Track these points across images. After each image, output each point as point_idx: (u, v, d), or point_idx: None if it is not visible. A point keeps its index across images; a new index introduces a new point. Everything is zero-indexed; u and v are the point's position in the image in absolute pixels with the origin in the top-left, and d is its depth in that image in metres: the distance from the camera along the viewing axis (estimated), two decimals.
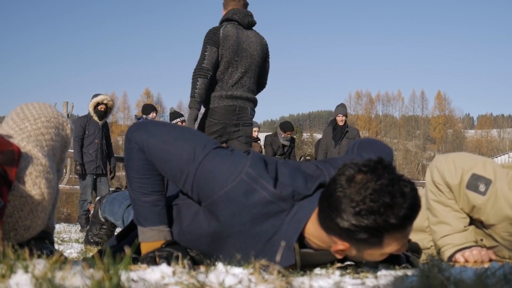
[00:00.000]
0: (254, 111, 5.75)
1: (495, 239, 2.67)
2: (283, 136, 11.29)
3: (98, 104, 8.45)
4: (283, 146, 11.32)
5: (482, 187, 2.55)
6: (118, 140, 57.66)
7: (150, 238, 2.03)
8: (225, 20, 5.54)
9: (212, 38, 5.34)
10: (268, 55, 5.77)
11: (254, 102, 5.69)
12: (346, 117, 10.45)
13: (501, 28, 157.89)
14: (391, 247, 1.80)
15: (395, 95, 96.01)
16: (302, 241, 1.96)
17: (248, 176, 1.88)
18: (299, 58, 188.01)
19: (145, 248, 2.02)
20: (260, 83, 5.79)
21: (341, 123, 10.23)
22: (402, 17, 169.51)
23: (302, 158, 12.55)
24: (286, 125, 11.58)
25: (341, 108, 10.45)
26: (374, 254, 1.83)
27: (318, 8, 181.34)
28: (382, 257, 1.87)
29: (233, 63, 5.39)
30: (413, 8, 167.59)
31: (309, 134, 72.57)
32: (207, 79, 5.30)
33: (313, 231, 1.89)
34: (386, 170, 1.72)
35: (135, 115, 11.52)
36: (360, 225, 1.69)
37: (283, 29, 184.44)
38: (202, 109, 5.56)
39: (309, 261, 2.06)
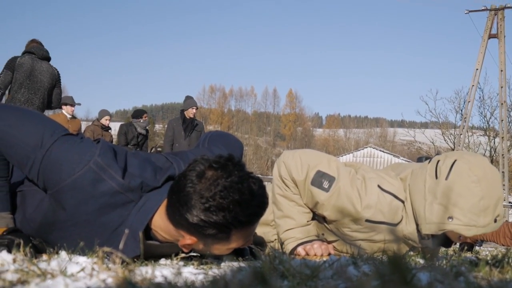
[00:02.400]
0: None
1: (336, 234, 2.80)
2: (142, 121, 11.15)
3: None
4: (138, 135, 11.16)
5: (326, 184, 2.65)
6: None
7: None
8: (25, 52, 7.28)
9: (9, 64, 7.04)
10: (59, 82, 7.48)
11: None
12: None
13: (351, 33, 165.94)
14: (237, 242, 1.84)
15: (248, 91, 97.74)
16: (148, 233, 1.96)
17: (97, 165, 1.85)
18: (154, 49, 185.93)
19: None
20: (53, 103, 7.49)
21: (192, 116, 10.31)
22: (258, 15, 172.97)
23: (153, 149, 12.44)
24: (138, 111, 11.47)
25: (193, 100, 10.52)
26: (221, 248, 1.86)
27: (177, 3, 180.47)
28: (228, 251, 1.90)
29: (25, 85, 7.00)
30: (270, 8, 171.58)
31: (161, 125, 71.99)
32: None
33: (161, 223, 1.90)
34: (236, 168, 1.76)
35: None
36: (209, 221, 1.72)
37: (139, 20, 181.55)
38: None
39: (154, 252, 2.06)
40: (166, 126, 12.13)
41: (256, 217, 1.80)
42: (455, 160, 2.48)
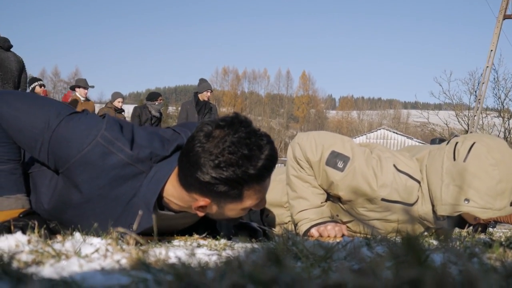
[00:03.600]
0: None
1: (351, 214, 2.83)
2: (156, 103, 11.19)
3: None
4: (152, 117, 11.19)
5: (340, 164, 2.68)
6: None
7: (7, 207, 1.95)
8: None
9: None
10: (24, 67, 7.90)
11: None
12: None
13: (365, 14, 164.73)
14: (250, 200, 1.87)
15: (261, 73, 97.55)
16: (161, 203, 2.00)
17: (104, 139, 1.88)
18: (167, 32, 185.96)
19: (1, 217, 1.94)
20: (21, 87, 7.83)
21: (206, 99, 10.35)
22: None
23: None
24: (153, 94, 11.51)
25: (208, 84, 10.57)
26: (235, 209, 1.90)
27: None
28: (243, 212, 1.94)
29: None
30: None
31: (175, 107, 72.19)
32: None
33: (173, 191, 1.93)
34: (243, 124, 1.79)
35: None
36: (220, 177, 1.75)
37: (153, 2, 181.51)
38: None
39: (168, 225, 2.11)
40: (179, 108, 12.14)
41: (266, 171, 1.83)
42: (473, 143, 2.49)
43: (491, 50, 24.83)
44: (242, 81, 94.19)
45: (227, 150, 1.74)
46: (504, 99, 28.53)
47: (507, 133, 27.95)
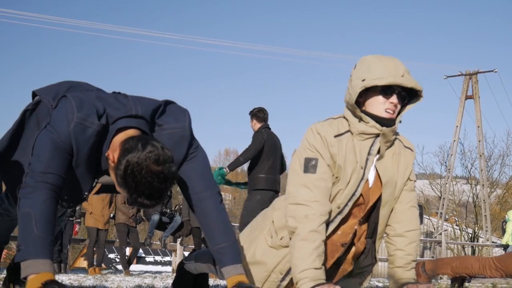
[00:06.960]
0: None
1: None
2: None
3: None
4: None
5: (312, 166, 2.74)
6: None
7: (43, 269, 2.03)
8: None
9: None
10: None
11: None
12: None
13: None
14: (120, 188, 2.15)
15: None
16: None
17: (79, 119, 2.20)
18: None
19: (38, 279, 2.01)
20: None
21: None
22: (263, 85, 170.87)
23: (177, 206, 12.22)
24: None
25: None
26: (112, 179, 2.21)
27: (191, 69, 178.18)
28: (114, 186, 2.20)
29: None
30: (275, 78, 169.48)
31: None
32: None
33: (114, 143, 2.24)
34: (162, 165, 2.09)
35: None
36: (121, 173, 2.07)
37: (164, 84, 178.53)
38: None
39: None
40: None
41: (137, 203, 2.09)
42: None
43: (457, 126, 26.85)
44: None
45: (144, 179, 2.02)
46: (471, 168, 30.57)
47: (475, 198, 29.84)
